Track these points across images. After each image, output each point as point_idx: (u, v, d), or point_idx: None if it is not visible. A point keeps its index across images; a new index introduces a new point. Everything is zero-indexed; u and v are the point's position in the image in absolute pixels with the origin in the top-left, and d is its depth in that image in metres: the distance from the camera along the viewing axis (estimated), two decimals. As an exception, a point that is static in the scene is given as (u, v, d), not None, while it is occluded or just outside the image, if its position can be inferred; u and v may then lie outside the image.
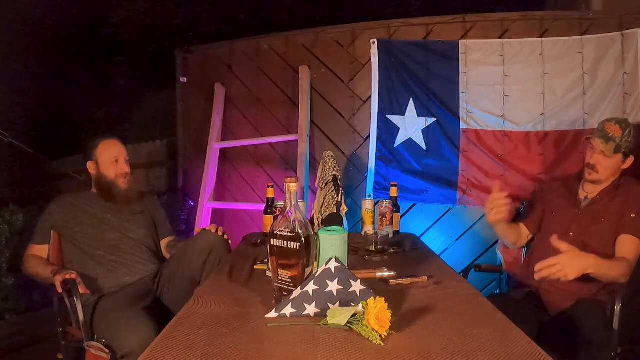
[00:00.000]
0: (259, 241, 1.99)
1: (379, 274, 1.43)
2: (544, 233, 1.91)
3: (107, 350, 1.51)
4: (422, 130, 2.89)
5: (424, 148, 2.89)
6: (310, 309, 1.07)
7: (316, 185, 2.32)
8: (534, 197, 2.06)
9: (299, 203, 1.23)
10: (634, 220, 1.70)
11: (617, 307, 1.52)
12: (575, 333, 1.43)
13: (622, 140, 1.75)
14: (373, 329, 0.94)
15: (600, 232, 1.75)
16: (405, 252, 1.87)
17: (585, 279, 1.55)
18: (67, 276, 1.60)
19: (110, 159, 1.97)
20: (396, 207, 2.23)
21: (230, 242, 1.90)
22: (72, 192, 2.04)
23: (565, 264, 1.42)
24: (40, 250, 1.87)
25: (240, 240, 2.17)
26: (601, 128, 1.80)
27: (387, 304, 0.97)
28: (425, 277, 1.40)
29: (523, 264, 1.98)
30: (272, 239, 1.14)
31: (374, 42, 2.95)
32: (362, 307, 0.98)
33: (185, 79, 3.58)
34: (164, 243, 2.12)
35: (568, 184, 1.94)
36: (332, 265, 1.09)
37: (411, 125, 2.90)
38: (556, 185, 1.99)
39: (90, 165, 2.00)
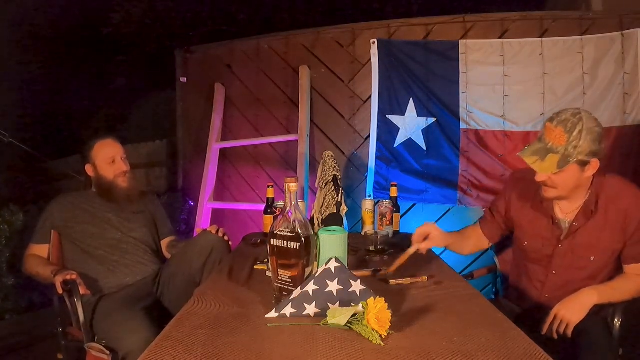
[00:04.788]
0: (259, 241, 1.99)
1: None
2: (525, 254, 1.64)
3: (108, 352, 1.51)
4: (422, 130, 2.89)
5: (424, 148, 2.89)
6: (310, 309, 1.07)
7: (316, 185, 2.32)
8: (494, 205, 1.78)
9: (299, 203, 1.23)
10: None
11: (618, 307, 1.51)
12: (576, 335, 1.42)
13: (568, 148, 1.34)
14: (373, 329, 0.94)
15: (589, 271, 1.51)
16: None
17: (593, 283, 1.50)
18: (68, 277, 1.59)
19: (107, 160, 1.95)
20: (396, 207, 2.23)
21: (230, 243, 1.90)
22: (72, 192, 2.04)
23: (564, 314, 1.38)
24: (40, 249, 1.87)
25: (240, 240, 2.17)
26: (540, 136, 1.42)
27: (387, 304, 0.97)
28: (425, 277, 1.40)
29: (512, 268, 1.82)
30: (272, 239, 1.14)
31: (374, 42, 2.95)
32: (362, 307, 0.98)
33: (185, 79, 3.58)
34: (164, 243, 2.12)
35: (538, 195, 1.54)
36: (332, 265, 1.09)
37: (411, 125, 2.90)
38: (521, 187, 1.61)
39: (88, 168, 1.99)
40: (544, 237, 1.57)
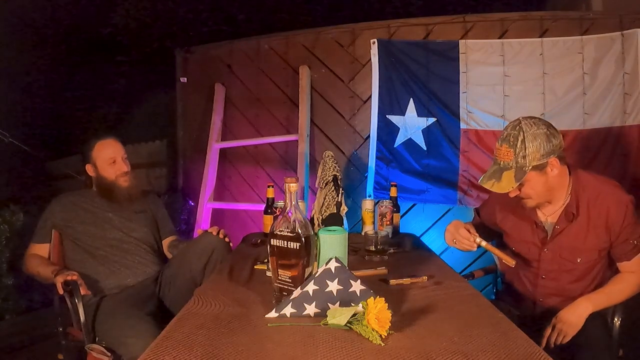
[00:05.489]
0: (259, 241, 1.99)
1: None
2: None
3: (109, 354, 1.51)
4: (422, 130, 2.88)
5: (424, 148, 2.89)
6: (310, 309, 1.07)
7: (316, 185, 2.32)
8: (481, 209, 1.82)
9: (299, 203, 1.23)
10: (636, 247, 1.45)
11: (618, 307, 1.51)
12: (576, 335, 1.42)
13: (518, 161, 1.39)
14: (373, 329, 0.94)
15: (577, 273, 1.52)
16: (406, 252, 1.87)
17: (582, 284, 1.52)
18: (69, 277, 1.59)
19: (108, 161, 1.95)
20: (396, 207, 2.23)
21: (231, 244, 1.89)
22: (73, 191, 2.03)
23: (561, 327, 1.42)
24: (41, 249, 1.87)
25: (240, 240, 2.17)
26: (494, 158, 1.47)
27: (387, 304, 0.97)
28: (425, 277, 1.40)
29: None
30: (272, 239, 1.14)
31: (374, 42, 2.95)
32: (362, 307, 0.98)
33: (185, 79, 3.58)
34: (166, 242, 2.11)
35: (520, 201, 1.53)
36: (332, 265, 1.09)
37: (411, 125, 2.90)
38: (504, 194, 1.48)
39: (89, 168, 1.99)
40: (529, 242, 1.58)
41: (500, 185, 1.41)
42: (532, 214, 1.56)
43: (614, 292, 1.46)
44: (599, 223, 1.45)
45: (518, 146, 1.38)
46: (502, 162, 1.43)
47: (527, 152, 1.37)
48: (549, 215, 1.54)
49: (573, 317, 1.41)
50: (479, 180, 1.50)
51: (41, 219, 1.91)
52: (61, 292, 1.58)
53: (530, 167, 1.38)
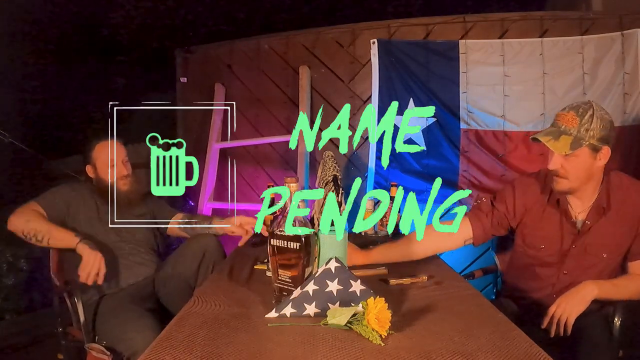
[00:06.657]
0: (259, 241, 1.99)
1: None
2: (536, 258, 1.61)
3: (109, 353, 1.51)
4: (423, 130, 2.88)
5: (424, 148, 2.89)
6: (310, 309, 1.07)
7: (316, 185, 2.32)
8: (498, 204, 1.67)
9: (299, 203, 1.23)
10: None
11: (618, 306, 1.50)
12: (576, 335, 1.41)
13: (580, 131, 1.38)
14: (373, 329, 0.93)
15: (599, 268, 1.51)
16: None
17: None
18: (94, 274, 1.59)
19: (108, 163, 1.95)
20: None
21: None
22: (75, 185, 1.99)
23: (564, 307, 1.38)
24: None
25: (240, 240, 2.16)
26: (553, 122, 1.47)
27: (387, 304, 0.96)
28: (425, 277, 1.40)
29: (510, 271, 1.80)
30: (272, 239, 1.14)
31: (374, 42, 2.95)
32: (362, 307, 0.98)
33: (185, 79, 3.58)
34: (174, 224, 2.08)
35: (553, 196, 1.55)
36: (332, 265, 1.09)
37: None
38: (533, 191, 1.57)
39: (89, 169, 1.98)
40: (557, 238, 1.56)
41: (556, 144, 1.40)
42: (564, 208, 1.53)
43: (621, 286, 1.45)
44: (627, 219, 1.46)
45: (585, 118, 1.38)
46: (563, 126, 1.41)
47: (591, 126, 1.37)
48: (578, 213, 1.53)
49: (576, 298, 1.38)
50: (535, 135, 1.46)
51: (51, 191, 1.84)
52: (97, 270, 1.58)
53: (587, 143, 1.38)
